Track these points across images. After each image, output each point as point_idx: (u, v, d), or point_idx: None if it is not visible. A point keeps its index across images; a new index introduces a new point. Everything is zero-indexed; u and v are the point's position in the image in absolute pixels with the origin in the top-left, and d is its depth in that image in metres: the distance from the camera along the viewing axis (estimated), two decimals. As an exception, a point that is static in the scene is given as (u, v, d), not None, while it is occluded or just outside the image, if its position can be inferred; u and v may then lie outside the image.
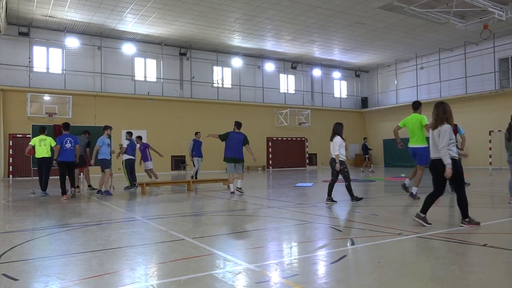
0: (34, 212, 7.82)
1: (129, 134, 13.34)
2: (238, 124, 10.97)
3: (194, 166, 14.98)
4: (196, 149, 14.88)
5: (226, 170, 10.65)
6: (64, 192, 9.86)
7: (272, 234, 5.28)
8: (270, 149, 27.28)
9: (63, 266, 3.83)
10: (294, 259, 4.10)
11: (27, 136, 12.62)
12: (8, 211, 8.03)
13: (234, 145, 10.56)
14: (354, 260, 3.94)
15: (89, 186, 12.61)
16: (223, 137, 10.73)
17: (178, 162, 23.97)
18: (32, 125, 13.03)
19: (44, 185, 10.66)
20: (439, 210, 7.35)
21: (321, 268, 3.67)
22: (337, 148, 8.24)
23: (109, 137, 11.40)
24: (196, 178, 14.33)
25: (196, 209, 7.95)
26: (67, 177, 10.22)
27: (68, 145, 10.01)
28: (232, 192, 10.37)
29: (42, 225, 6.19)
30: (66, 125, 10.41)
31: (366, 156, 21.12)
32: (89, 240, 4.97)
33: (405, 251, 4.21)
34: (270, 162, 27.21)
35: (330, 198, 8.28)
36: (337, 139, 8.35)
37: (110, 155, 11.53)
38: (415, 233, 4.95)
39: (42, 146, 10.48)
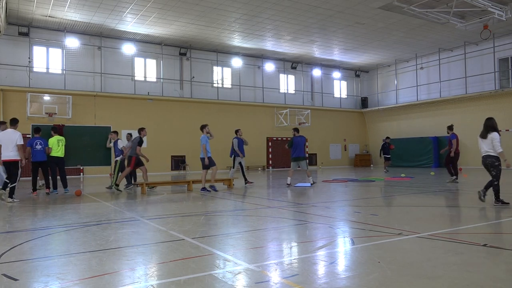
0: (34, 212, 7.82)
1: (130, 135, 13.39)
2: (297, 130, 13.07)
3: (235, 166, 13.78)
4: (241, 147, 13.81)
5: (291, 166, 13.09)
6: (35, 189, 10.91)
7: (272, 234, 5.28)
8: (270, 149, 27.29)
9: (63, 266, 3.83)
10: (294, 259, 4.10)
11: (27, 136, 12.63)
12: (8, 211, 8.03)
13: (300, 147, 12.65)
14: (354, 260, 3.94)
15: (148, 185, 12.31)
16: (290, 144, 12.80)
17: (178, 162, 23.97)
18: (32, 125, 13.02)
19: (64, 183, 11.38)
20: (440, 210, 7.35)
21: (321, 268, 3.67)
22: (498, 144, 7.45)
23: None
24: (246, 179, 13.59)
25: (196, 209, 7.95)
26: (57, 176, 11.29)
27: (38, 147, 10.86)
28: (288, 184, 12.61)
29: (42, 225, 6.19)
30: (37, 129, 11.17)
31: (387, 156, 19.39)
32: (89, 240, 4.97)
33: (405, 251, 4.21)
34: (270, 162, 27.22)
35: (500, 200, 7.32)
36: (495, 135, 7.30)
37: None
38: (415, 233, 4.95)
39: (61, 146, 11.28)
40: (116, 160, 12.38)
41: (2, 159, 9.18)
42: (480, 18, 18.78)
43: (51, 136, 11.35)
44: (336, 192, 10.93)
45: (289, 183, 12.69)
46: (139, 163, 11.83)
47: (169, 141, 23.52)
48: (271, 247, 4.58)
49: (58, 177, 11.40)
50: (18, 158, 9.25)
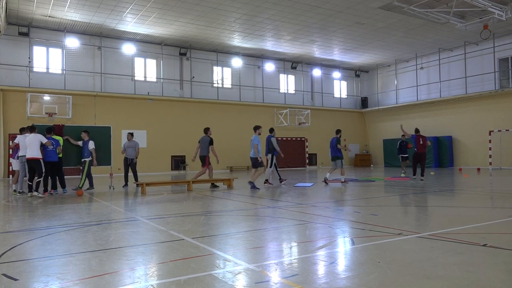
0: (34, 212, 7.82)
1: (131, 135, 13.39)
2: (337, 131, 13.78)
3: (270, 166, 13.20)
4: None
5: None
6: (46, 189, 10.92)
7: (272, 234, 5.28)
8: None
9: (63, 266, 3.83)
10: (294, 259, 4.10)
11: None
12: (8, 211, 8.04)
13: (331, 147, 13.55)
14: (354, 260, 3.94)
15: (212, 184, 12.73)
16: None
17: (178, 162, 23.98)
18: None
19: (62, 183, 11.53)
20: (439, 210, 7.35)
21: (321, 268, 3.67)
22: None
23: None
24: (281, 178, 13.46)
25: (196, 209, 7.95)
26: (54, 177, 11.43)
27: (51, 147, 10.93)
28: (325, 179, 13.17)
29: (42, 225, 6.19)
30: (49, 129, 11.28)
31: (405, 156, 17.76)
32: (89, 240, 4.97)
33: (405, 251, 4.21)
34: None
35: None
36: None
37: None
38: (415, 233, 4.95)
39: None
40: (84, 161, 11.80)
41: (27, 156, 10.39)
42: (480, 18, 18.79)
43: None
44: (336, 192, 10.93)
45: (326, 178, 13.22)
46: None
47: (169, 141, 23.52)
48: (271, 247, 4.58)
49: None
50: (40, 156, 10.47)
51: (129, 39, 22.56)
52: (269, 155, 13.16)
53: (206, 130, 13.15)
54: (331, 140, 13.62)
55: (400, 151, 17.88)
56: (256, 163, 12.17)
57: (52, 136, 11.10)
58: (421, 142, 14.04)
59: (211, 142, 12.82)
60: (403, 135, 17.61)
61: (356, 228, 5.50)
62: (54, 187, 11.34)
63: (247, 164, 25.76)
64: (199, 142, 13.18)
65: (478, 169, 21.71)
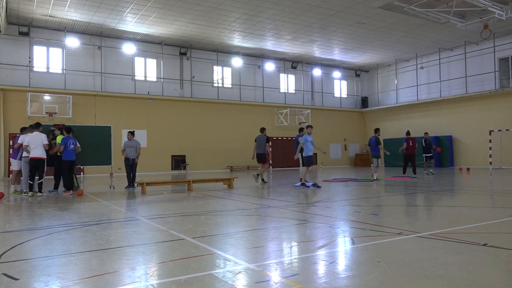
0: (34, 212, 7.83)
1: (132, 134, 13.34)
2: (376, 130, 14.79)
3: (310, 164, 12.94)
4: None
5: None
6: (69, 187, 11.03)
7: (272, 234, 5.28)
8: (270, 149, 27.27)
9: (63, 265, 3.84)
10: (294, 258, 4.10)
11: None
12: (8, 211, 8.04)
13: (371, 146, 14.68)
14: (354, 260, 3.94)
15: (263, 180, 13.79)
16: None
17: (178, 162, 23.98)
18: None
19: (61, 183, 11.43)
20: (439, 209, 7.35)
21: (321, 268, 3.67)
22: None
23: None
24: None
25: (196, 209, 7.95)
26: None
27: (71, 146, 10.98)
28: (373, 175, 14.30)
29: (42, 224, 6.19)
30: (68, 129, 11.30)
31: (428, 155, 17.41)
32: (89, 240, 4.98)
33: (405, 251, 4.21)
34: (270, 161, 27.19)
35: None
36: None
37: None
38: (415, 233, 4.96)
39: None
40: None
41: (31, 155, 10.32)
42: (480, 18, 18.78)
43: (55, 135, 11.39)
44: (336, 191, 10.93)
45: (374, 178, 14.25)
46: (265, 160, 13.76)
47: (169, 140, 23.53)
48: (271, 246, 4.58)
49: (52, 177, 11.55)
50: (45, 156, 10.47)
51: (129, 39, 22.55)
52: (299, 155, 13.25)
53: (263, 130, 14.13)
54: (370, 139, 14.67)
55: (424, 150, 17.68)
56: (308, 161, 12.20)
57: (70, 135, 11.11)
58: (411, 144, 15.51)
59: (267, 140, 13.90)
60: (426, 133, 18.25)
61: (356, 228, 5.50)
62: (56, 186, 11.30)
63: (247, 163, 25.79)
64: (255, 141, 13.96)
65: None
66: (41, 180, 10.54)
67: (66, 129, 11.21)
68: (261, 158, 13.73)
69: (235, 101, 25.92)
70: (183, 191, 11.70)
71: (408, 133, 15.97)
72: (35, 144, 10.36)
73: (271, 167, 26.89)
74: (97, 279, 3.37)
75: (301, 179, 12.49)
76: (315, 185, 11.86)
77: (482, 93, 23.49)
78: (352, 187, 12.29)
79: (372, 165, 14.94)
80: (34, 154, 10.35)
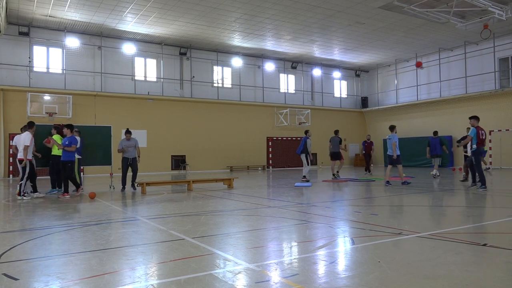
0: (34, 212, 7.82)
1: (129, 132, 13.21)
2: (435, 132, 15.79)
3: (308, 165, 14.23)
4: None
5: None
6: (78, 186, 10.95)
7: (272, 234, 5.28)
8: (270, 149, 27.30)
9: (63, 265, 3.84)
10: (294, 258, 4.10)
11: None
12: (8, 211, 8.04)
13: (435, 145, 15.52)
14: (354, 260, 3.94)
15: (333, 174, 15.40)
16: (428, 144, 15.79)
17: (178, 162, 23.98)
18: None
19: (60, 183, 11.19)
20: (440, 210, 7.35)
21: (321, 268, 3.67)
22: None
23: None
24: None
25: (196, 209, 7.95)
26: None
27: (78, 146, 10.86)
28: (435, 176, 15.33)
29: (42, 224, 6.19)
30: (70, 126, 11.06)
31: (437, 154, 15.91)
32: (89, 240, 4.98)
33: (405, 251, 4.22)
34: (270, 161, 27.23)
35: None
36: None
37: None
38: (415, 233, 4.96)
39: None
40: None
41: (18, 157, 10.07)
42: (480, 18, 18.78)
43: (52, 134, 11.19)
44: (336, 191, 10.93)
45: (434, 174, 15.26)
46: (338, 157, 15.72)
47: (169, 141, 23.53)
48: (271, 246, 4.58)
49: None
50: (22, 157, 9.95)
51: (129, 39, 22.55)
52: (303, 155, 14.12)
53: (336, 132, 16.29)
54: (430, 139, 15.63)
55: (437, 150, 16.37)
56: (391, 160, 12.88)
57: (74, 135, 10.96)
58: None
59: (340, 141, 16.14)
60: (435, 132, 16.41)
61: (356, 228, 5.50)
62: (53, 186, 11.27)
63: (247, 163, 25.80)
64: (330, 142, 16.12)
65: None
66: (21, 182, 9.92)
67: (70, 128, 10.75)
68: (336, 155, 15.78)
69: (235, 101, 25.92)
70: (183, 191, 11.70)
71: (392, 127, 14.48)
72: (19, 145, 10.13)
73: (271, 167, 26.95)
74: (97, 279, 3.37)
75: (304, 176, 13.82)
76: (388, 183, 12.41)
77: (482, 93, 23.49)
78: (352, 187, 12.29)
79: (432, 164, 16.04)
80: (18, 155, 10.12)
